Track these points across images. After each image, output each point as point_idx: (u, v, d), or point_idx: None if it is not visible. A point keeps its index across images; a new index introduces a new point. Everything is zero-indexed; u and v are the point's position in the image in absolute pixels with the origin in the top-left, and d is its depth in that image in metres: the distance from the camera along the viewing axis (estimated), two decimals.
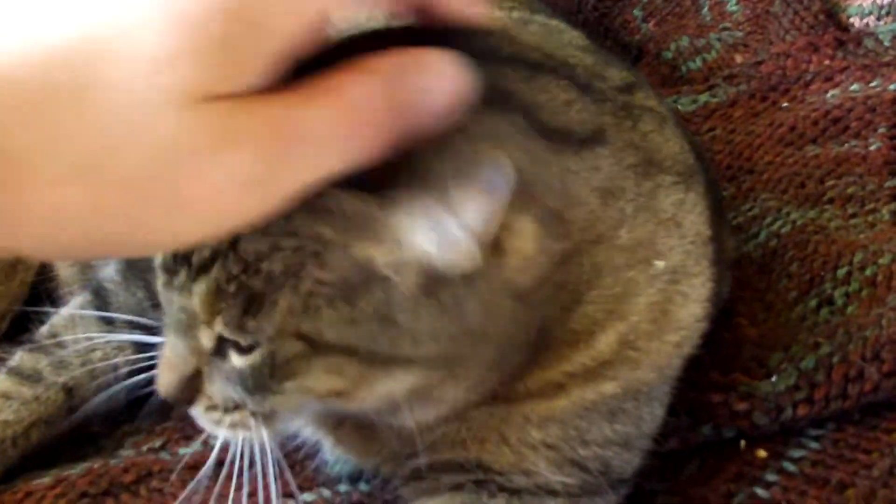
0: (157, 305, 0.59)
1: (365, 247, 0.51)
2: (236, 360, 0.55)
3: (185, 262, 0.53)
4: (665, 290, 0.63)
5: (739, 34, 1.07)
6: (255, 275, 0.51)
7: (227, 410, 0.57)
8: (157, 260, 0.55)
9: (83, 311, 0.80)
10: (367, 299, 0.52)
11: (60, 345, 0.77)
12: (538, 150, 0.55)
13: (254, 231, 0.47)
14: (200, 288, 0.53)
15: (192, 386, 0.57)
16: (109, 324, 0.79)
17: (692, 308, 0.64)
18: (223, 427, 0.58)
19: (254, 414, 0.57)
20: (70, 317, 0.81)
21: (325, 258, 0.51)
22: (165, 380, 0.57)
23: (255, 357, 0.54)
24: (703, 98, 1.00)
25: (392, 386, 0.55)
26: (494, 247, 0.52)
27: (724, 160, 0.93)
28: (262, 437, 0.58)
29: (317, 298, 0.52)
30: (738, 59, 1.04)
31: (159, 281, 0.55)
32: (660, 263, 0.62)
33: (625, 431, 0.65)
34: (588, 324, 0.60)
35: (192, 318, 0.54)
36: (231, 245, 0.51)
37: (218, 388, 0.57)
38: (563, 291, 0.58)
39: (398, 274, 0.51)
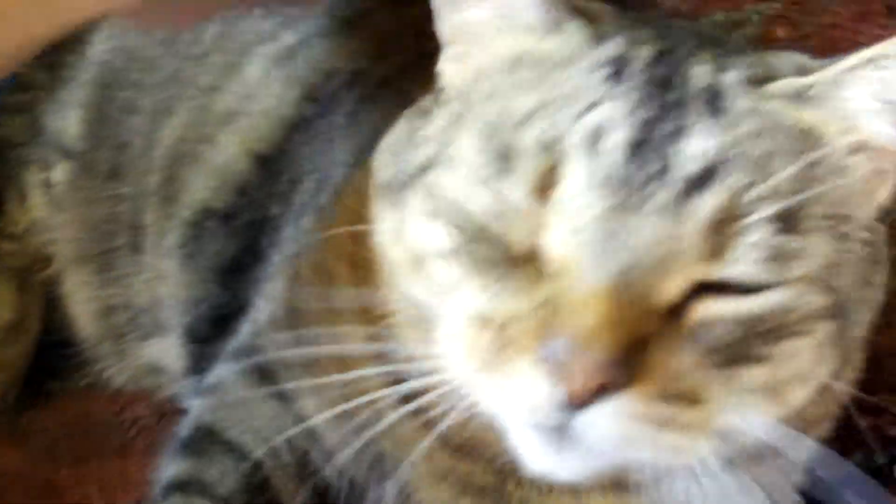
0: None
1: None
2: (728, 306, 0.42)
3: (659, 175, 0.41)
4: None
5: (778, 5, 0.99)
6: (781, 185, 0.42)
7: (680, 403, 0.41)
8: (586, 173, 0.42)
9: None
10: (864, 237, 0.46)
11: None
12: None
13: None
14: (703, 207, 0.41)
15: (630, 362, 0.41)
16: None
17: None
18: (669, 434, 0.42)
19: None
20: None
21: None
22: (607, 341, 0.40)
23: (770, 298, 0.41)
24: None
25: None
26: None
27: None
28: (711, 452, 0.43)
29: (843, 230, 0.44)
30: (780, 33, 0.96)
31: (594, 200, 0.42)
32: None
33: None
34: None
35: (666, 256, 0.41)
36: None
37: (679, 363, 0.41)
38: None
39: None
